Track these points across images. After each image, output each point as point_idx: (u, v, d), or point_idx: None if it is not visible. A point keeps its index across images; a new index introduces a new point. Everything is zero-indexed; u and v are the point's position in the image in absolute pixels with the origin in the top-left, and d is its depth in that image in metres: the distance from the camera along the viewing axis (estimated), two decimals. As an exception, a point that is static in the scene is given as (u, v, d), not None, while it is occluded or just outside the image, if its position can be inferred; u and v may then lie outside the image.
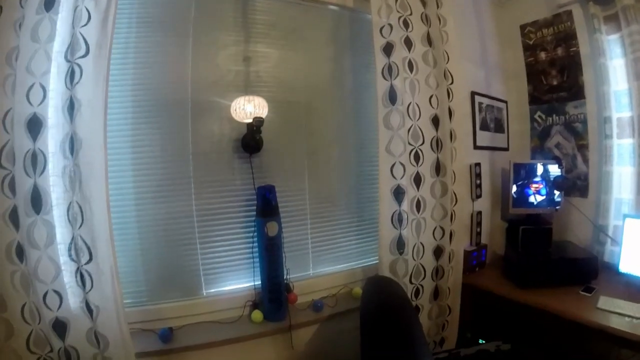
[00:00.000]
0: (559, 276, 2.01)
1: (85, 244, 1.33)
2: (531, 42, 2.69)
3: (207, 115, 1.75)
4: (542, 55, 2.66)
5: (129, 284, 1.63)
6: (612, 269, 2.05)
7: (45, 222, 1.27)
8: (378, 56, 1.81)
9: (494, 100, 2.44)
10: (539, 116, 2.64)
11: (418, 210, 1.86)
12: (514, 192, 2.39)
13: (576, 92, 2.46)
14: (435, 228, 1.96)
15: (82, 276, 1.34)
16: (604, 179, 2.23)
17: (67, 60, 1.31)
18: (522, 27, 2.70)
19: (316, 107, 1.96)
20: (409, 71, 1.87)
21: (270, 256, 1.64)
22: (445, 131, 1.93)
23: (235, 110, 1.66)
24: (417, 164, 1.85)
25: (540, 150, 2.62)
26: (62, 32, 1.30)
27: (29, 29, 1.25)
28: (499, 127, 2.50)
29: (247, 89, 1.80)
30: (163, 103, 1.69)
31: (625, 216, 2.02)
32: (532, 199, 2.47)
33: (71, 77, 1.31)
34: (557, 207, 2.37)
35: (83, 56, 1.32)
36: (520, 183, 2.42)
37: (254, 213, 1.72)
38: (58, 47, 1.30)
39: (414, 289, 1.90)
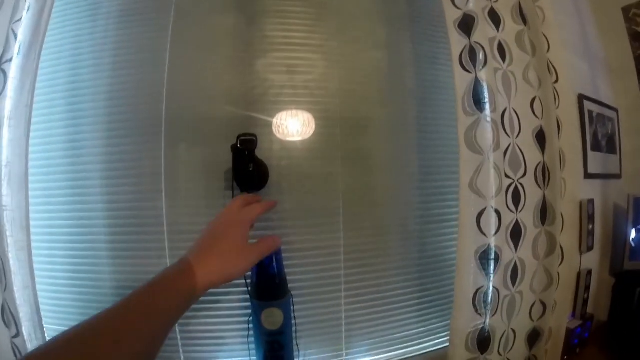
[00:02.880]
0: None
1: (11, 312, 0.90)
2: (639, 30, 1.84)
3: (188, 136, 1.07)
4: (656, 46, 1.80)
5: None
6: None
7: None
8: (453, 35, 1.03)
9: (604, 107, 1.59)
10: (658, 130, 1.78)
11: (514, 282, 1.07)
12: (633, 240, 1.55)
13: None
14: (533, 304, 1.16)
15: (14, 350, 0.91)
16: None
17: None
18: (626, 10, 1.84)
19: (358, 119, 1.17)
20: (500, 59, 1.10)
21: (270, 358, 0.91)
22: (553, 154, 1.13)
23: (278, 127, 1.10)
24: (517, 208, 1.05)
25: (663, 177, 1.75)
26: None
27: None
28: (611, 146, 1.64)
29: (249, 97, 1.09)
30: (135, 119, 1.09)
31: None
32: None
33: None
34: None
35: (9, 60, 0.91)
36: (641, 226, 1.57)
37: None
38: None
39: (494, 394, 1.12)
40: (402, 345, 1.19)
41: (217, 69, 1.10)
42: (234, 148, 0.89)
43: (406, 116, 1.22)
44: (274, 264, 0.86)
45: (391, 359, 1.17)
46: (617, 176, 1.69)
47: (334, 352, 1.11)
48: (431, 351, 1.21)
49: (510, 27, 1.15)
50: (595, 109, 1.52)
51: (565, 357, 1.35)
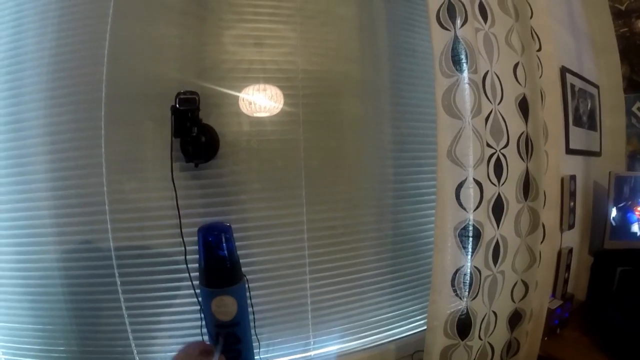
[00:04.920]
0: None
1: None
2: (623, 7, 1.73)
3: (129, 106, 0.89)
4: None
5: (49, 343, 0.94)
6: None
7: None
8: (430, -11, 0.91)
9: (586, 82, 1.48)
10: (639, 109, 1.70)
11: (495, 261, 0.96)
12: (613, 218, 1.46)
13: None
14: (515, 284, 1.06)
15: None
16: None
17: None
18: None
19: (325, 85, 1.02)
20: (481, 19, 0.97)
21: (226, 352, 0.77)
22: (537, 124, 1.02)
23: (244, 103, 0.96)
24: (499, 180, 0.94)
25: (642, 156, 1.68)
26: None
27: None
28: (592, 123, 1.54)
29: (195, 65, 0.92)
30: (76, 87, 0.91)
31: None
32: (635, 227, 1.54)
33: None
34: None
35: None
36: (621, 205, 1.49)
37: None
38: None
39: (474, 380, 1.01)
40: (374, 331, 1.06)
41: (167, 37, 0.93)
42: (172, 109, 0.73)
43: (380, 82, 1.07)
44: (223, 244, 0.71)
45: (363, 345, 1.05)
46: (597, 154, 1.59)
47: (300, 342, 0.98)
48: (406, 336, 1.10)
49: (492, -13, 1.03)
50: (578, 83, 1.42)
51: (546, 338, 1.26)
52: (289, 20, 1.01)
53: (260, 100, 1.01)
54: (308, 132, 0.99)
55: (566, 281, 1.34)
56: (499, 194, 0.92)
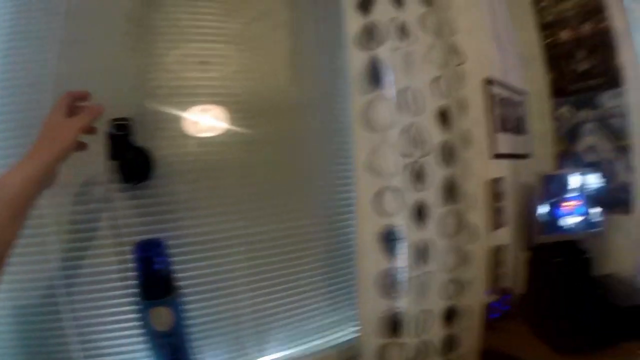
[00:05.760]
0: (608, 331, 1.25)
1: None
2: (548, 19, 1.90)
3: None
4: (564, 34, 1.86)
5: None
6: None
7: None
8: (349, 14, 0.97)
9: (512, 91, 1.61)
10: (565, 111, 1.85)
11: (422, 262, 1.03)
12: (543, 215, 1.59)
13: (612, 78, 1.63)
14: (446, 283, 1.12)
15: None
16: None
17: None
18: (535, 1, 1.92)
19: (263, 104, 1.07)
20: (400, 38, 1.05)
21: (164, 362, 0.79)
22: (459, 133, 1.11)
23: (187, 123, 1.02)
24: (420, 187, 1.02)
25: (569, 155, 1.82)
26: None
27: None
28: (520, 128, 1.67)
29: (138, 88, 0.95)
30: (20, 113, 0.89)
31: None
32: (562, 221, 1.68)
33: None
34: (598, 230, 1.58)
35: None
36: (550, 202, 1.62)
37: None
38: None
39: (414, 378, 1.08)
40: (315, 336, 1.11)
41: (110, 61, 0.94)
42: (108, 135, 0.77)
43: (317, 100, 1.15)
44: (157, 258, 0.75)
45: (305, 352, 1.09)
46: (526, 156, 1.71)
47: (238, 352, 1.01)
48: (347, 340, 1.14)
49: (414, 8, 1.10)
50: (503, 92, 1.54)
51: (486, 333, 1.35)
52: (232, 41, 1.06)
53: (204, 120, 1.05)
54: (250, 150, 1.04)
55: (501, 277, 1.44)
56: (420, 199, 1.00)
